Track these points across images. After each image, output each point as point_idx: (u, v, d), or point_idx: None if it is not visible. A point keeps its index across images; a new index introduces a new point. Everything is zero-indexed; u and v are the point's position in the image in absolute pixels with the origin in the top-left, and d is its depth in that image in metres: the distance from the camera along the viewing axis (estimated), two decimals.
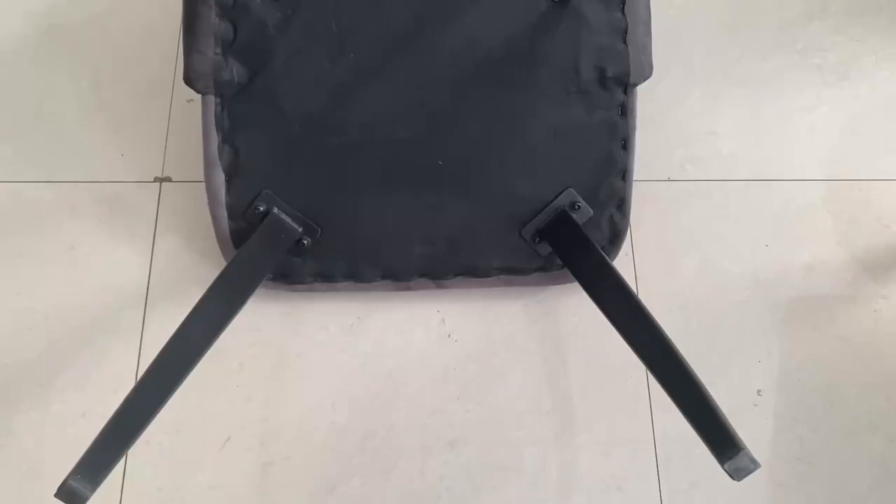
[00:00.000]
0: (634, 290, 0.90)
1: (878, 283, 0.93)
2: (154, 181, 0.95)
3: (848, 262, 0.94)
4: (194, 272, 0.90)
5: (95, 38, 1.03)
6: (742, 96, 1.02)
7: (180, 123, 0.98)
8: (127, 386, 0.85)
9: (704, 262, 0.93)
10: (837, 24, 1.06)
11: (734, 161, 0.98)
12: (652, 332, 0.73)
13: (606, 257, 0.81)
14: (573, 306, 0.90)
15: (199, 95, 0.80)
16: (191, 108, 0.98)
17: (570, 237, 0.83)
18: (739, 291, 0.92)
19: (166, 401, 0.69)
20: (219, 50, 0.78)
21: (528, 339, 0.89)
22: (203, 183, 0.83)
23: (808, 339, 0.90)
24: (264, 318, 0.89)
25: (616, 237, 0.87)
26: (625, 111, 0.82)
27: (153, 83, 1.00)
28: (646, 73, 0.81)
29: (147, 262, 0.91)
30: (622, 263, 0.92)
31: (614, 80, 0.81)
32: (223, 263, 0.85)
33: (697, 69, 1.03)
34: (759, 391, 0.88)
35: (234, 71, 0.78)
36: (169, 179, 0.95)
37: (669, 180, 0.97)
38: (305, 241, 0.84)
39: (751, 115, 1.01)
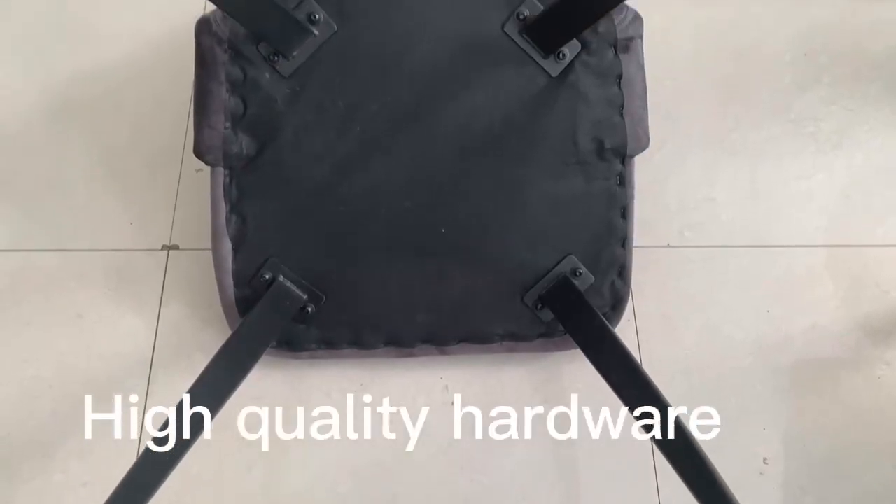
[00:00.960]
0: (637, 355, 0.91)
1: (879, 349, 0.93)
2: (162, 249, 0.97)
3: (849, 327, 0.94)
4: (199, 340, 0.91)
5: (109, 111, 1.06)
6: (738, 164, 1.04)
7: (189, 192, 1.00)
8: (130, 455, 0.85)
9: (706, 328, 0.94)
10: (830, 94, 1.09)
11: (733, 227, 1.00)
12: (654, 400, 0.74)
13: (608, 324, 0.81)
14: (577, 373, 0.90)
15: (209, 166, 0.83)
16: (200, 177, 1.00)
17: (572, 304, 0.84)
18: (742, 357, 0.92)
19: (169, 473, 0.69)
20: (228, 124, 0.81)
21: (532, 403, 0.89)
22: (210, 251, 0.84)
23: (813, 405, 0.90)
24: (266, 386, 0.89)
25: (618, 304, 0.88)
26: (623, 181, 0.84)
27: (163, 153, 1.03)
28: (643, 143, 0.84)
29: (153, 330, 0.92)
30: (625, 329, 0.92)
31: (612, 151, 0.83)
32: (228, 331, 0.85)
33: (694, 138, 1.05)
34: (764, 459, 0.87)
35: (244, 144, 0.81)
36: (176, 247, 0.97)
37: (669, 246, 0.99)
38: (310, 309, 0.85)
39: (748, 182, 1.03)
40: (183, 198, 1.00)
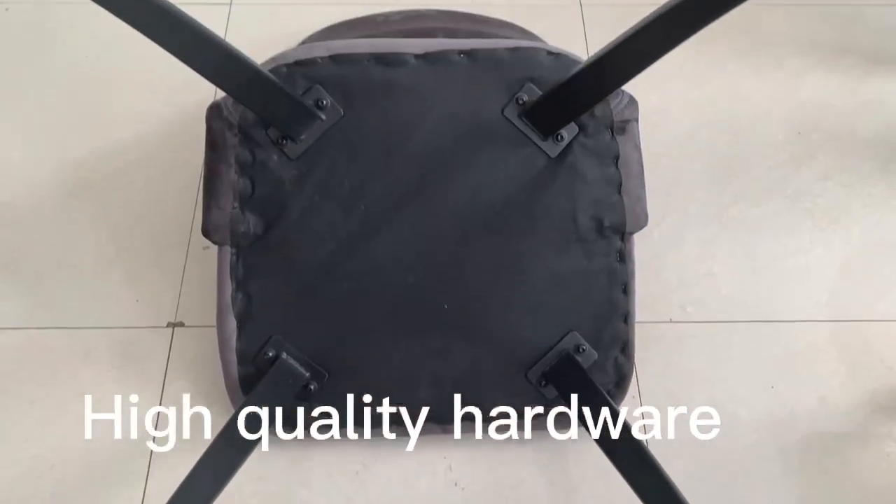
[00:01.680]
0: (644, 433, 0.90)
1: (887, 426, 0.92)
2: (167, 326, 0.98)
3: (855, 404, 0.93)
4: (202, 418, 0.90)
5: (119, 190, 1.08)
6: (737, 239, 1.05)
7: (195, 269, 1.02)
8: None
9: (711, 405, 0.93)
10: (825, 171, 1.12)
11: (733, 302, 1.00)
12: (659, 480, 0.73)
13: (612, 401, 0.81)
14: (582, 452, 0.89)
15: (216, 245, 0.84)
16: (206, 255, 1.02)
17: (575, 381, 0.84)
18: (748, 435, 0.91)
19: None
20: (236, 204, 0.83)
21: (536, 486, 0.88)
22: (214, 327, 0.85)
23: (822, 484, 0.88)
24: (268, 466, 0.88)
25: (622, 380, 0.88)
26: (623, 257, 0.85)
27: (171, 231, 1.05)
28: (641, 221, 0.85)
29: (157, 404, 0.92)
30: (630, 406, 0.92)
31: (611, 228, 0.84)
32: (231, 409, 0.85)
33: (692, 214, 1.07)
34: None
35: (251, 224, 0.83)
36: (181, 324, 0.98)
37: (671, 322, 0.99)
38: (312, 387, 0.85)
39: (747, 257, 1.04)
40: (189, 275, 1.01)
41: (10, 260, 1.02)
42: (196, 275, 1.01)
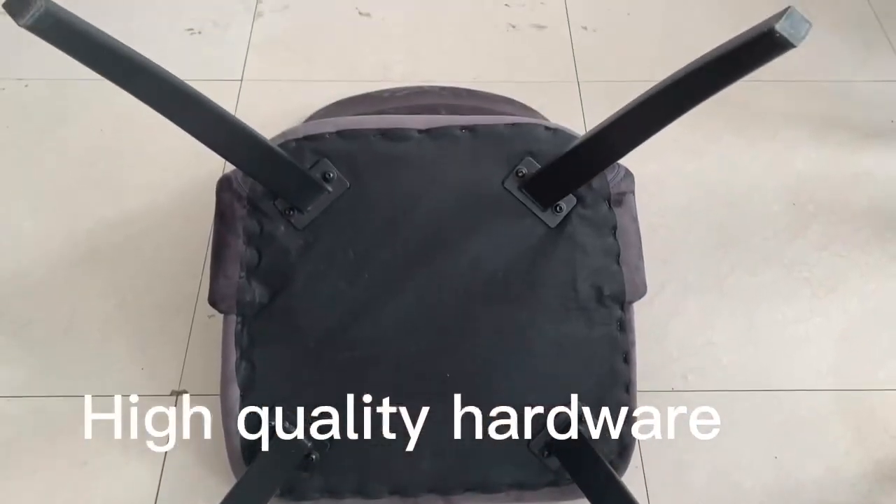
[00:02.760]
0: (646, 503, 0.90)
1: (892, 497, 0.91)
2: (171, 394, 0.98)
3: (860, 474, 0.93)
4: (204, 488, 0.90)
5: (127, 258, 1.11)
6: (736, 309, 1.06)
7: (200, 337, 1.03)
8: None
9: (715, 475, 0.93)
10: (820, 240, 1.14)
11: (734, 372, 1.01)
12: None
13: (615, 472, 0.81)
14: None
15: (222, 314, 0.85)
16: (211, 323, 1.03)
17: (578, 451, 0.84)
18: None
19: None
20: (243, 274, 0.84)
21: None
22: (218, 395, 0.85)
23: None
24: None
25: (624, 450, 0.87)
26: (623, 326, 0.86)
27: (178, 300, 1.06)
28: (640, 291, 0.86)
29: (157, 477, 0.91)
30: (633, 476, 0.91)
31: (611, 297, 0.85)
32: (233, 479, 0.85)
33: (691, 284, 1.09)
34: None
35: (257, 293, 0.84)
36: (185, 392, 0.98)
37: (673, 391, 0.99)
38: (314, 456, 0.85)
39: (746, 326, 1.05)
40: (194, 343, 1.02)
41: (17, 327, 1.04)
42: (201, 343, 1.02)
